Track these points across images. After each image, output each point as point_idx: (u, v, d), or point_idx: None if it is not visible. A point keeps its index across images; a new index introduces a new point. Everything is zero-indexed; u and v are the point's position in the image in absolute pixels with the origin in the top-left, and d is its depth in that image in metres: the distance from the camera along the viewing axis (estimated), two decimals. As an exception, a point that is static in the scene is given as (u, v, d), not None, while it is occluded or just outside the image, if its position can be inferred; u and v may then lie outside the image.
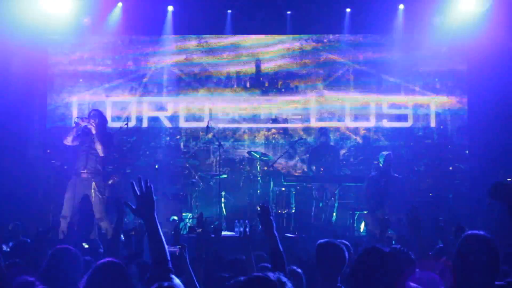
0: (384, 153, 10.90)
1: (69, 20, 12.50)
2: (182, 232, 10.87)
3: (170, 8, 12.80)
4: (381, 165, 10.65)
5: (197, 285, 4.26)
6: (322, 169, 11.59)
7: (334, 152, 11.89)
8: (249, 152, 12.10)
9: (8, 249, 6.29)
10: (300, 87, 13.28)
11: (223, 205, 11.48)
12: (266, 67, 13.35)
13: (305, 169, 12.27)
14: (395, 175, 10.68)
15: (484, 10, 11.81)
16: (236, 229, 10.89)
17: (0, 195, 11.43)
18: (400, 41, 12.89)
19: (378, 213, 9.98)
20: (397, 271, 3.28)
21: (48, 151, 12.16)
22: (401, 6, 12.59)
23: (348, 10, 12.72)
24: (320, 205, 11.20)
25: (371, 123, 13.14)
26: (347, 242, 4.95)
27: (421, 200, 11.15)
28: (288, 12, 12.86)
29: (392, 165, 10.63)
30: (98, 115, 9.63)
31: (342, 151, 12.62)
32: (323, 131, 11.96)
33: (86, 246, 6.81)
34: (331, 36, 13.28)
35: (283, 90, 13.31)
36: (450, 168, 12.62)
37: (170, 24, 12.88)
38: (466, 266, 3.54)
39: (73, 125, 9.80)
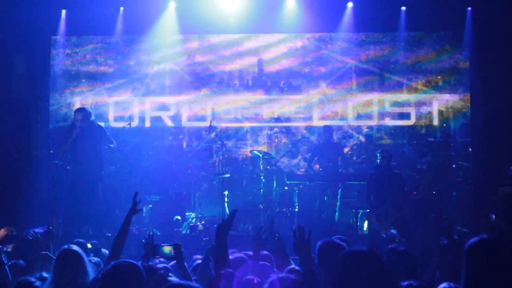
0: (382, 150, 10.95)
1: (72, 20, 12.58)
2: (183, 232, 10.89)
3: (172, 6, 12.77)
4: (378, 162, 10.62)
5: (193, 281, 4.28)
6: (319, 167, 11.63)
7: (338, 149, 11.88)
8: (251, 151, 12.10)
9: (10, 249, 6.30)
10: (302, 85, 13.27)
11: (226, 204, 11.48)
12: (269, 66, 13.33)
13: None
14: (395, 171, 10.65)
15: (484, 8, 11.84)
16: (239, 228, 10.92)
17: (3, 195, 11.46)
18: (402, 39, 12.89)
19: (380, 211, 9.97)
20: (383, 272, 3.19)
21: (51, 151, 12.16)
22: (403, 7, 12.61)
23: (350, 6, 12.69)
24: (324, 202, 11.20)
25: (374, 121, 13.11)
26: (345, 238, 4.94)
27: (424, 198, 11.16)
28: (290, 10, 12.83)
29: (391, 162, 10.58)
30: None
31: (345, 150, 12.58)
32: (327, 129, 11.94)
33: (90, 246, 6.82)
34: (333, 35, 13.26)
35: (285, 89, 13.29)
36: (453, 166, 12.59)
37: (172, 24, 12.87)
38: (479, 271, 3.50)
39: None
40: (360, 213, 11.09)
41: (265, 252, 5.71)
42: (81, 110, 9.70)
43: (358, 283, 3.14)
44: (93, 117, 9.73)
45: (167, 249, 4.68)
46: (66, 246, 4.80)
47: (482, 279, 3.47)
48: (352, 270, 3.17)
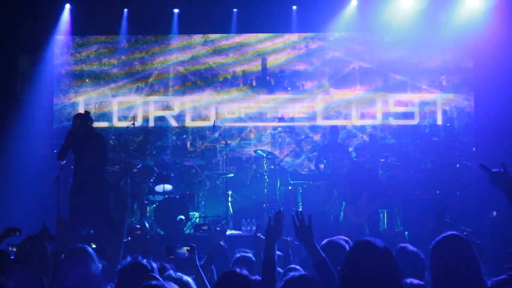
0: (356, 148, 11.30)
1: (76, 19, 12.61)
2: (187, 231, 10.89)
3: (176, 10, 12.82)
4: (355, 159, 10.84)
5: (208, 285, 4.25)
6: (322, 166, 11.65)
7: (344, 150, 11.87)
8: (255, 151, 12.10)
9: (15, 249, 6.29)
10: (306, 85, 13.26)
11: (230, 204, 11.48)
12: (272, 65, 13.34)
13: (312, 167, 12.26)
14: (370, 167, 10.83)
15: (490, 7, 11.78)
16: (243, 228, 10.91)
17: (7, 195, 11.48)
18: (406, 38, 12.85)
19: (357, 205, 10.20)
20: (393, 266, 3.05)
21: (55, 151, 12.16)
22: (407, 3, 12.54)
23: (353, 6, 12.66)
24: (328, 202, 11.19)
25: (378, 121, 13.11)
26: (347, 239, 4.93)
27: (427, 197, 11.15)
28: (294, 10, 12.82)
29: (365, 158, 10.77)
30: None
31: (349, 149, 12.57)
32: (333, 129, 11.92)
33: (94, 245, 6.82)
34: (337, 34, 13.24)
35: (289, 88, 13.29)
36: (457, 165, 12.57)
37: (176, 24, 12.89)
38: (442, 269, 3.50)
39: None
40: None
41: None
42: (78, 116, 9.63)
43: (364, 276, 3.01)
44: (92, 123, 9.65)
45: (182, 250, 4.73)
46: (80, 245, 4.81)
47: (446, 276, 3.48)
48: (360, 262, 3.04)
